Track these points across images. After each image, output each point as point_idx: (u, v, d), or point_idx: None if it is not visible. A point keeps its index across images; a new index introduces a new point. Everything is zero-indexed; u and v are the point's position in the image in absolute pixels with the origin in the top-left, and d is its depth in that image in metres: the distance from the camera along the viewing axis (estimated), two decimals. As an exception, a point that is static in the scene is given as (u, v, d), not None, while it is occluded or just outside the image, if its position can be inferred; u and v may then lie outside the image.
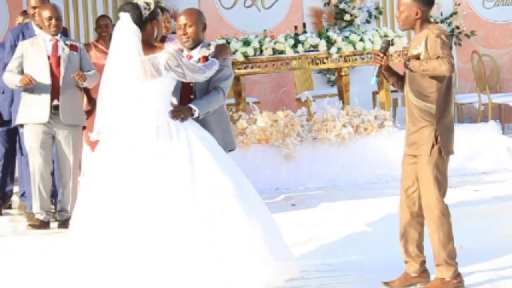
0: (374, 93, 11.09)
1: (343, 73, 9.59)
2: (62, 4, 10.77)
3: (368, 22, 11.94)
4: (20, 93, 7.32)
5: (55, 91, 7.21)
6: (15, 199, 8.51)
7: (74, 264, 5.22)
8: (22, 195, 7.99)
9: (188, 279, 5.05)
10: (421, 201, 5.62)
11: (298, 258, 6.47)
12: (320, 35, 9.29)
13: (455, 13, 12.34)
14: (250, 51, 8.94)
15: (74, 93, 7.30)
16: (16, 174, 8.28)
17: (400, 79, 5.71)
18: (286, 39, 9.11)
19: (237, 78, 8.98)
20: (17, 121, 7.33)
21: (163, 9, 7.15)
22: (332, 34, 9.29)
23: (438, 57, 5.38)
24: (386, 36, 9.30)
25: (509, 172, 9.02)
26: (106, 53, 8.01)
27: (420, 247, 5.70)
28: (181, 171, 5.21)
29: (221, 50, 5.92)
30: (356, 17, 11.96)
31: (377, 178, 8.77)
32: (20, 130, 7.49)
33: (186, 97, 5.89)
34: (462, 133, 9.49)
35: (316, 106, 9.25)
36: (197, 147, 5.31)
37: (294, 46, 9.10)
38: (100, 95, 5.41)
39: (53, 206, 7.62)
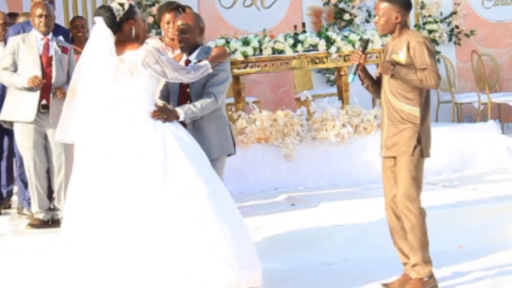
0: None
1: (342, 73, 9.58)
2: (62, 5, 10.76)
3: (367, 21, 11.94)
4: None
5: (45, 90, 7.17)
6: (14, 199, 8.51)
7: (74, 264, 5.23)
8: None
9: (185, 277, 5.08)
10: None
11: (298, 258, 6.49)
12: (319, 34, 9.29)
13: (454, 12, 12.34)
14: (249, 50, 8.94)
15: (64, 94, 7.28)
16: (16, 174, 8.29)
17: (374, 84, 5.68)
18: (285, 39, 9.11)
19: (236, 78, 8.99)
20: (1, 116, 7.28)
21: (181, 7, 7.05)
22: (331, 33, 9.30)
23: (425, 69, 5.38)
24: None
25: (508, 171, 9.03)
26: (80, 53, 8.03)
27: None
28: (153, 172, 5.21)
29: (218, 54, 5.88)
30: (355, 16, 11.96)
31: (377, 178, 8.75)
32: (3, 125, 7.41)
33: (183, 103, 5.88)
34: (462, 133, 9.52)
35: (315, 106, 9.25)
36: (172, 148, 5.29)
37: (294, 45, 9.10)
38: (71, 99, 5.41)
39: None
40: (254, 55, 8.99)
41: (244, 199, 7.91)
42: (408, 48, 5.46)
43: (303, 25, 10.02)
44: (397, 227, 5.66)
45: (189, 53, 6.05)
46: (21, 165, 7.66)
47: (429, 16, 12.25)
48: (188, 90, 5.94)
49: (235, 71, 8.84)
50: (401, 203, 5.53)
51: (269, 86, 11.86)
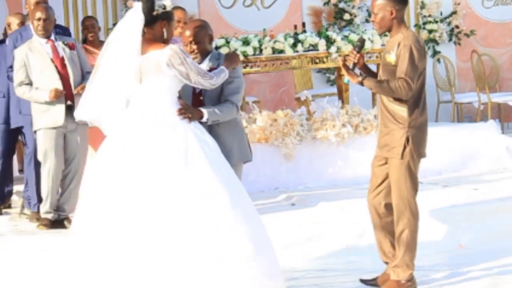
0: (374, 93, 11.07)
1: (342, 73, 9.56)
2: (62, 5, 10.75)
3: (367, 21, 11.92)
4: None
5: (67, 92, 7.18)
6: (14, 199, 8.51)
7: (74, 264, 5.22)
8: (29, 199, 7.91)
9: (188, 279, 5.05)
10: (386, 200, 5.61)
11: (298, 258, 6.49)
12: (319, 34, 9.29)
13: (454, 12, 12.34)
14: (249, 50, 8.94)
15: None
16: (15, 174, 8.30)
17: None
18: (285, 39, 9.11)
19: (236, 78, 8.99)
20: (35, 127, 7.27)
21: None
22: (331, 33, 9.30)
23: (399, 78, 5.34)
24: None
25: (508, 171, 9.03)
26: (94, 54, 8.03)
27: (394, 247, 5.66)
28: (174, 172, 5.14)
29: (231, 59, 5.86)
30: (355, 16, 11.96)
31: (376, 178, 8.76)
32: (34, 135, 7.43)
33: (196, 107, 5.85)
34: (462, 133, 9.52)
35: (315, 106, 9.25)
36: (193, 150, 5.21)
37: (294, 45, 9.10)
38: (94, 76, 5.36)
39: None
40: (254, 55, 8.99)
41: (244, 199, 7.90)
42: (398, 48, 5.43)
43: (303, 25, 10.02)
44: (379, 228, 5.67)
45: (200, 62, 6.02)
46: (29, 163, 7.64)
47: (429, 16, 12.25)
48: (201, 98, 5.93)
49: (235, 71, 8.85)
50: (395, 206, 5.53)
51: (269, 86, 11.86)
